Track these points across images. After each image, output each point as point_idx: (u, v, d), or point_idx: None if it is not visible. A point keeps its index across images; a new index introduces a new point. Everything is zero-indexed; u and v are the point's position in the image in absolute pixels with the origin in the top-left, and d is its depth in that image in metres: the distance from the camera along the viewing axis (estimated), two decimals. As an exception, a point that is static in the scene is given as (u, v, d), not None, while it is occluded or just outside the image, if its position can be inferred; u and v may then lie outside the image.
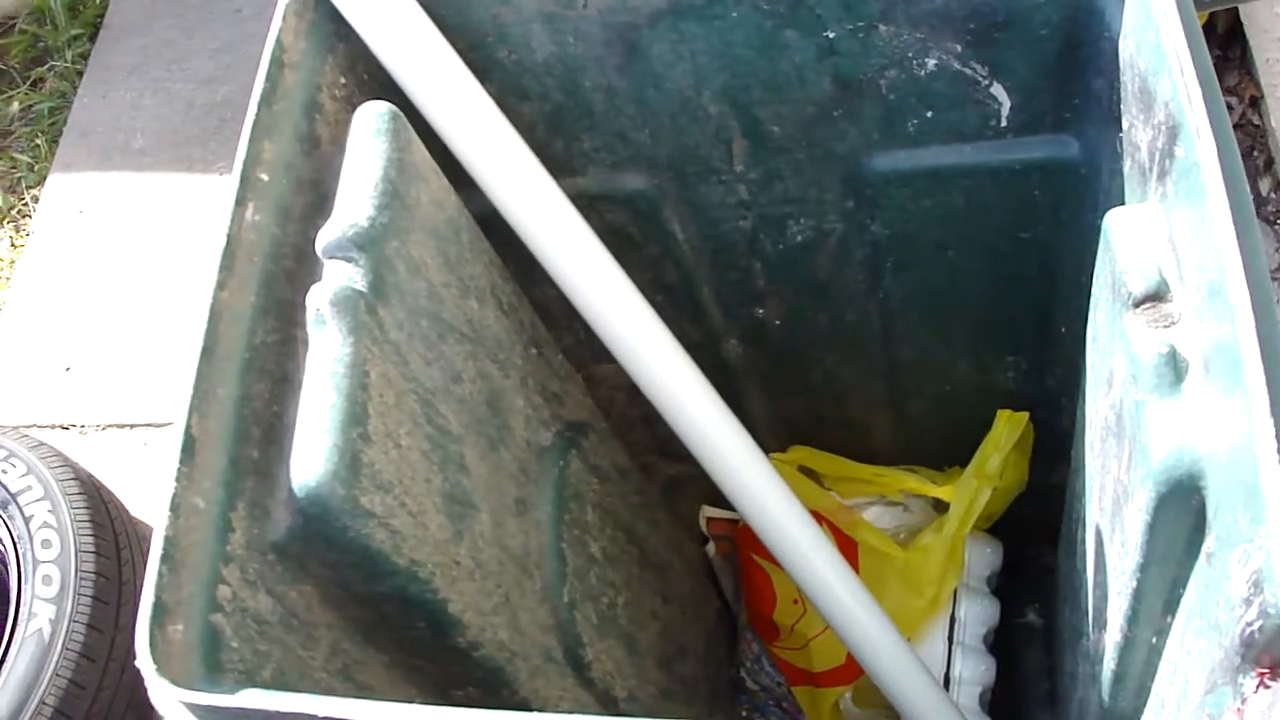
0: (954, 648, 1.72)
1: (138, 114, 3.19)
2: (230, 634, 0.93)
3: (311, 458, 0.95)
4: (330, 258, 1.03)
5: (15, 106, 3.31)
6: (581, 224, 1.25)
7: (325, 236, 1.02)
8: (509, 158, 1.20)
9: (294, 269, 1.06)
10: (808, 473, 1.80)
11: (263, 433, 1.00)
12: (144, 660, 0.85)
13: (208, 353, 0.97)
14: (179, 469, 0.92)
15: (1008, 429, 1.64)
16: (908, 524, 1.81)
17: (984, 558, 1.76)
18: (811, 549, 1.45)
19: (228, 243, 1.01)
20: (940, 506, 1.78)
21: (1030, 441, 1.66)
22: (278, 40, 1.09)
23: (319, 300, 0.99)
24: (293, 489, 0.96)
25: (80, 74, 3.31)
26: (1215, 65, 2.34)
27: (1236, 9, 2.37)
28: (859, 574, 1.73)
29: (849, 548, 1.77)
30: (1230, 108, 2.43)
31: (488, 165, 1.19)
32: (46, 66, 3.37)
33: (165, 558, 0.89)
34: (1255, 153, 2.41)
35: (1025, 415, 1.65)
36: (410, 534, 1.04)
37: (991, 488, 1.67)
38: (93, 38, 3.37)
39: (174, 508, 0.91)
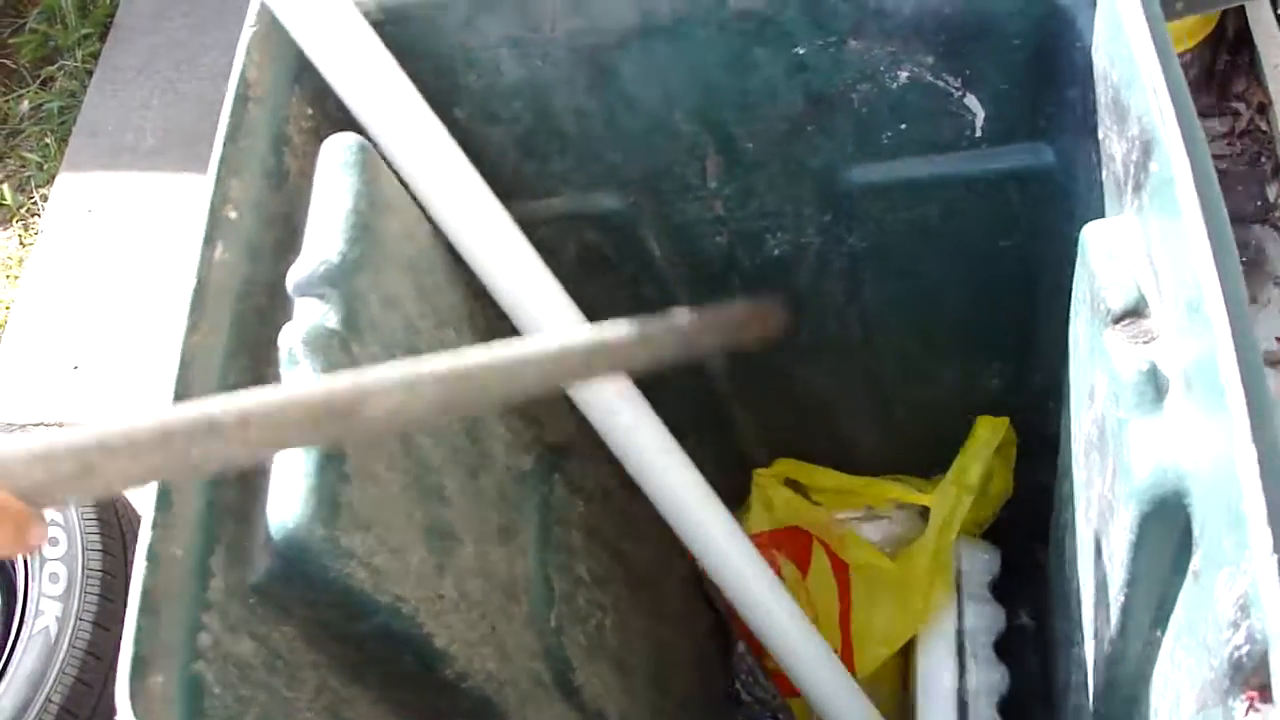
0: (966, 660, 1.70)
1: (147, 113, 3.18)
2: (212, 680, 0.92)
3: (289, 500, 0.94)
4: (302, 295, 1.02)
5: (25, 105, 3.31)
6: (532, 258, 1.25)
7: (295, 274, 1.01)
8: (456, 191, 1.19)
9: (265, 306, 1.05)
10: (793, 485, 1.79)
11: (239, 475, 0.99)
12: (124, 716, 0.84)
13: (180, 399, 0.96)
14: (155, 517, 0.91)
15: (988, 435, 1.64)
16: (893, 535, 1.81)
17: (982, 564, 1.75)
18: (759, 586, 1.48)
19: (198, 284, 0.99)
20: (927, 515, 1.78)
21: (1013, 446, 1.66)
22: (241, 75, 1.08)
23: (291, 339, 0.98)
24: (270, 531, 0.95)
25: (90, 73, 3.31)
26: (1223, 70, 2.37)
27: (1245, 16, 2.36)
28: (852, 594, 1.74)
29: (839, 563, 1.77)
30: (1238, 113, 2.43)
31: (435, 198, 1.19)
32: (56, 65, 3.36)
33: (144, 610, 0.88)
34: (1263, 159, 2.40)
35: (1005, 421, 1.64)
36: (392, 570, 1.03)
37: (971, 495, 1.66)
38: (103, 37, 3.37)
39: (151, 558, 0.90)
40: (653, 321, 1.10)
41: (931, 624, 1.69)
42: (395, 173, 1.15)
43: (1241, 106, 2.42)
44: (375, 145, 1.13)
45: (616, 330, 1.06)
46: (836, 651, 1.77)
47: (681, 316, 1.14)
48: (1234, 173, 2.34)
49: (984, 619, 1.72)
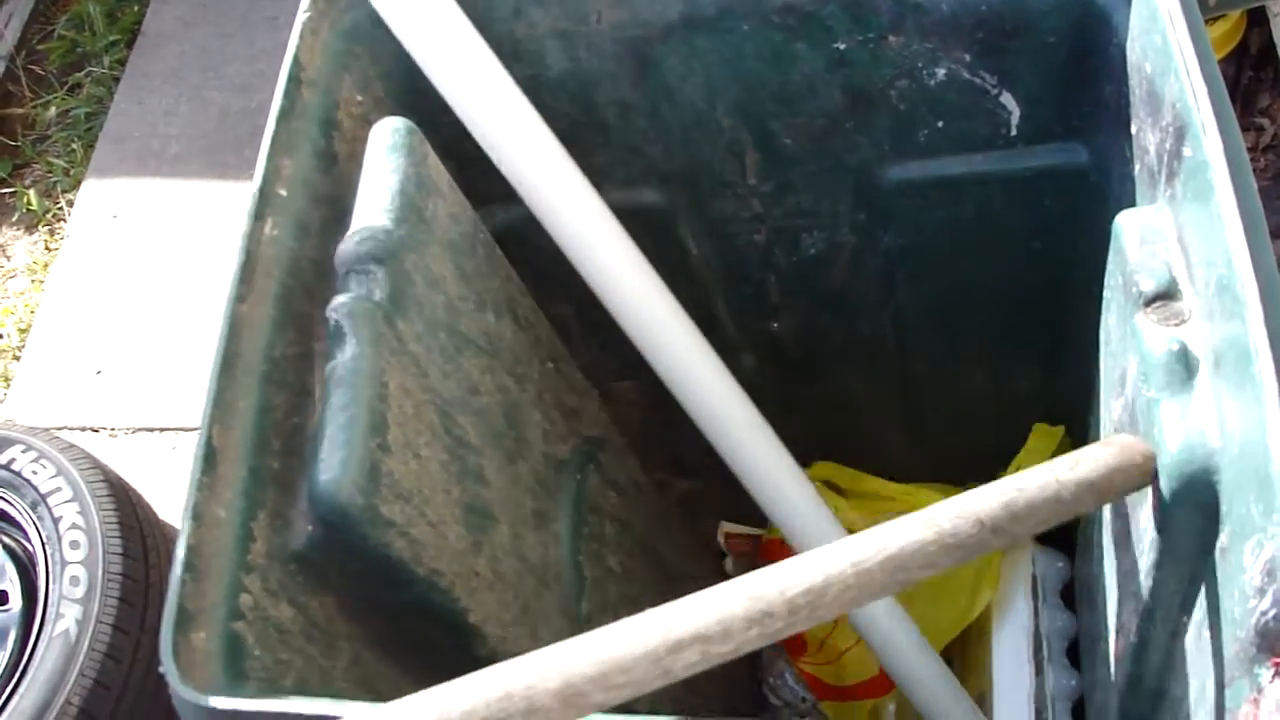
0: (1043, 664, 1.69)
1: (173, 120, 3.22)
2: (252, 642, 0.94)
3: (331, 467, 0.96)
4: (348, 270, 1.04)
5: (52, 111, 3.35)
6: (620, 231, 1.24)
7: (344, 249, 1.04)
8: (551, 164, 1.19)
9: (312, 283, 1.08)
10: (832, 488, 1.80)
11: (283, 444, 1.01)
12: (168, 666, 0.86)
13: (228, 365, 0.98)
14: (200, 479, 0.93)
15: (1043, 443, 1.64)
16: (935, 545, 1.80)
17: (1056, 572, 1.73)
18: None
19: (247, 257, 1.02)
20: (969, 527, 1.77)
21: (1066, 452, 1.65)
22: (295, 58, 1.11)
23: (338, 312, 1.01)
24: (313, 498, 0.97)
25: (117, 80, 3.35)
26: (1249, 87, 2.37)
27: (1270, 32, 2.37)
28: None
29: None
30: (1261, 129, 2.43)
31: (531, 171, 1.19)
32: (84, 72, 3.41)
33: (188, 566, 0.90)
34: (1289, 174, 2.40)
35: (1060, 430, 1.64)
36: (430, 543, 1.05)
37: None
38: (130, 44, 3.41)
39: (196, 517, 0.92)
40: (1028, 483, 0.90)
41: (1007, 624, 1.68)
42: (453, 155, 1.17)
43: (1265, 122, 2.43)
44: (431, 129, 1.15)
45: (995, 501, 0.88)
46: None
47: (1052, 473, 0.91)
48: (1258, 188, 2.34)
49: (1060, 625, 1.69)
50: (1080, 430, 1.34)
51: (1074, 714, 1.66)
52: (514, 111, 1.17)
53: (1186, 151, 0.88)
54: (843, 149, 1.26)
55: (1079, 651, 1.69)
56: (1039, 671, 1.66)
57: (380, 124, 1.12)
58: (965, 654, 1.78)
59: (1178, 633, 0.97)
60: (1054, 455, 1.61)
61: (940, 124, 1.22)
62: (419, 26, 1.13)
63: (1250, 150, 2.41)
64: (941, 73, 1.17)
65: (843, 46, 1.16)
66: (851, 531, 1.72)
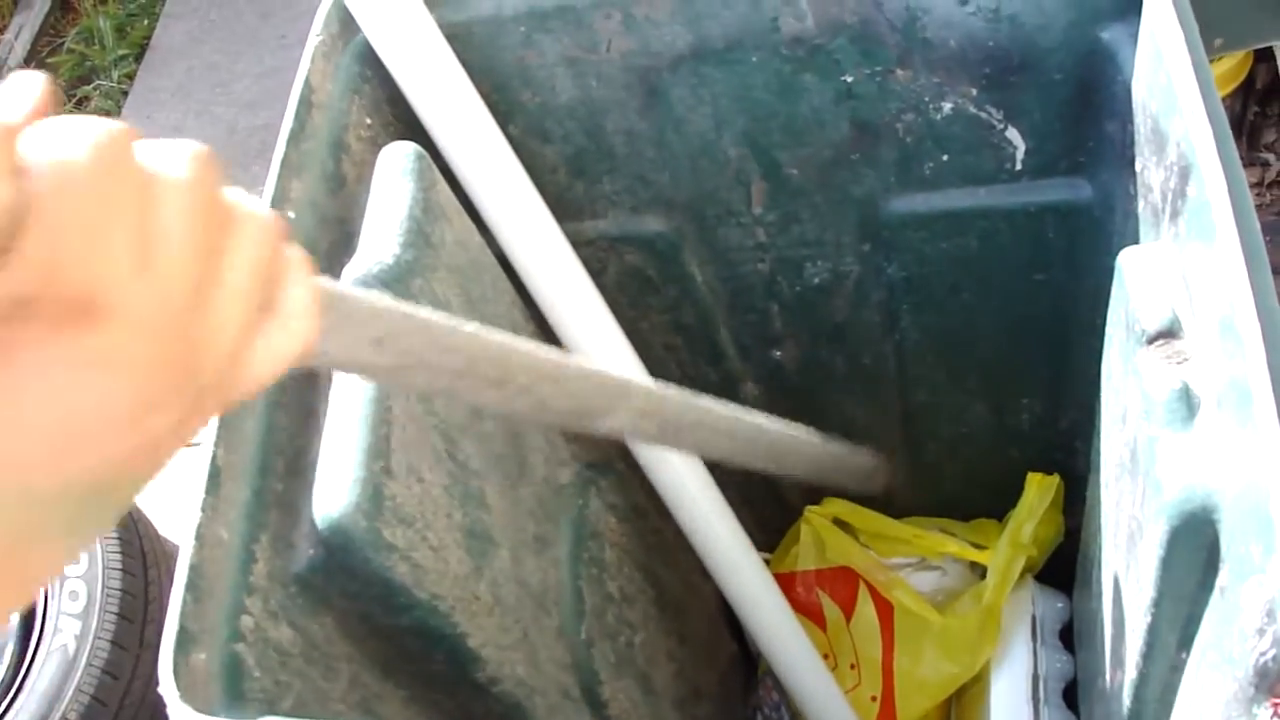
0: (1040, 708, 1.68)
1: (180, 135, 3.21)
2: (252, 663, 0.94)
3: (335, 490, 0.97)
4: (355, 293, 1.04)
5: None
6: (581, 277, 1.29)
7: (351, 273, 1.04)
8: (516, 204, 1.23)
9: (320, 306, 1.08)
10: (842, 526, 1.79)
11: (287, 466, 1.01)
12: (167, 687, 0.86)
13: (232, 386, 0.99)
14: (204, 499, 0.94)
15: (1039, 494, 1.64)
16: (945, 587, 1.80)
17: (1055, 612, 1.73)
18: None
19: (255, 279, 1.02)
20: (976, 568, 1.77)
21: (1061, 497, 1.66)
22: (306, 81, 1.12)
23: (344, 335, 1.01)
24: (316, 521, 0.97)
25: (125, 94, 3.37)
26: (1254, 123, 2.38)
27: (1276, 66, 2.38)
28: (896, 642, 1.73)
29: (885, 609, 1.77)
30: (1267, 164, 2.44)
31: (496, 209, 1.23)
32: (92, 86, 3.43)
33: (190, 586, 0.91)
34: (1295, 211, 2.41)
35: (1056, 479, 1.64)
36: (431, 568, 1.05)
37: (1025, 555, 1.66)
38: (139, 59, 3.43)
39: (199, 537, 0.92)
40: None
41: (1006, 666, 1.68)
42: (455, 180, 1.18)
43: (1271, 157, 2.44)
44: (438, 151, 1.16)
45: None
46: (877, 698, 1.77)
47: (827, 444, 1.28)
48: (1263, 224, 2.35)
49: (1058, 666, 1.69)
50: (1080, 466, 1.34)
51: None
52: (489, 149, 1.20)
53: (1190, 191, 0.89)
54: (848, 180, 1.27)
55: (1076, 694, 1.69)
56: (1036, 714, 1.66)
57: (390, 148, 1.12)
58: (962, 694, 1.78)
59: (1176, 669, 0.97)
60: (1051, 505, 1.63)
61: (945, 157, 1.23)
62: (404, 58, 1.16)
63: (1255, 186, 2.42)
64: (948, 107, 1.17)
65: (850, 79, 1.16)
66: (861, 574, 1.75)
